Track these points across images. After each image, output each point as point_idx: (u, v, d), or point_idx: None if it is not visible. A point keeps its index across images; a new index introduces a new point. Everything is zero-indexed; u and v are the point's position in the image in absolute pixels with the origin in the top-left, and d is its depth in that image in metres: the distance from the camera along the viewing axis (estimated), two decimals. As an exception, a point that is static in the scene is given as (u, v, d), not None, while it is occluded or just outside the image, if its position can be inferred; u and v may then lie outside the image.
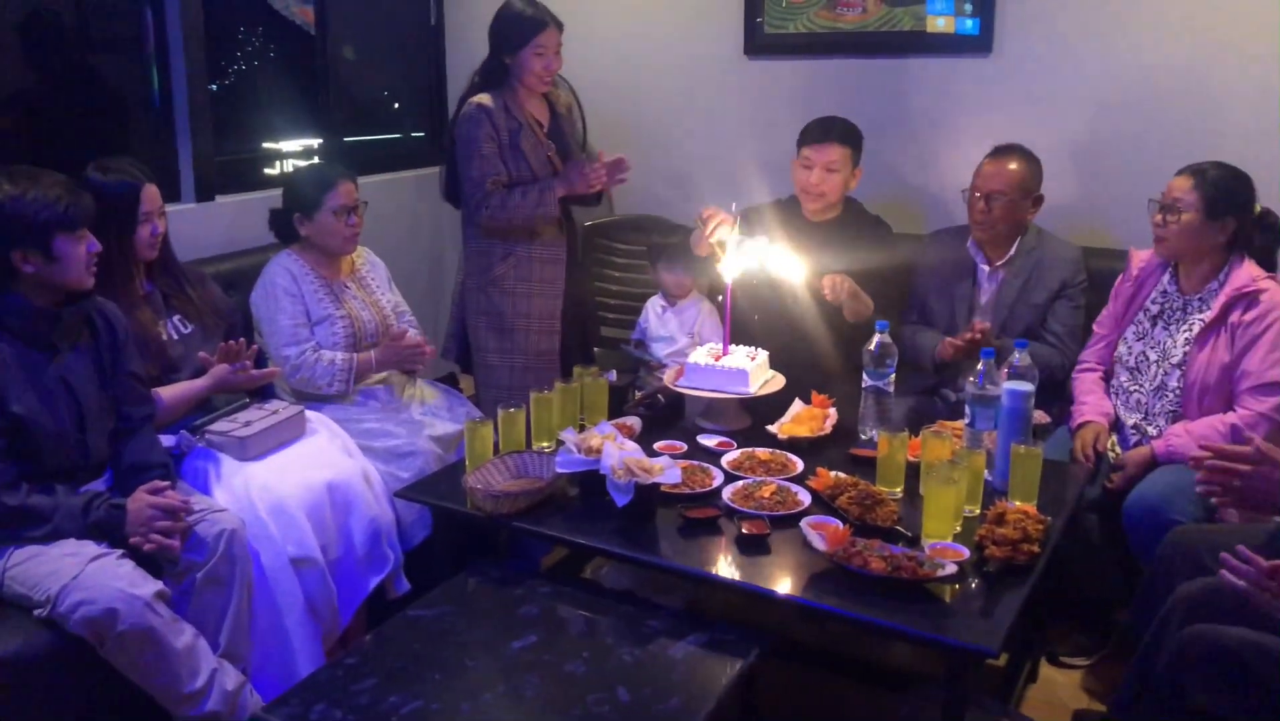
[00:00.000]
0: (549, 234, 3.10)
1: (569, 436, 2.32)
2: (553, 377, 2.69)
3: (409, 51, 4.38)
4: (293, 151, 3.91)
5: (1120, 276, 2.77)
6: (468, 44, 3.98)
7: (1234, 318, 2.47)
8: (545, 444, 2.51)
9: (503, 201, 2.99)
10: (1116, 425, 2.69)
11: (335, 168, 2.89)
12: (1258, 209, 2.54)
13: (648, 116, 3.95)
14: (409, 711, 1.69)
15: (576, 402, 2.62)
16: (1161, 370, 2.58)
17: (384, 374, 2.89)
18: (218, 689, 2.04)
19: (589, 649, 1.88)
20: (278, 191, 2.91)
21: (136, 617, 1.92)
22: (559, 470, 2.24)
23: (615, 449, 2.21)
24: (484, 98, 3.02)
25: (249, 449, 2.40)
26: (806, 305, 2.97)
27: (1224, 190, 2.49)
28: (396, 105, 4.47)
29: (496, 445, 2.45)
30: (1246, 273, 2.50)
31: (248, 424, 2.45)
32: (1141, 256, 2.72)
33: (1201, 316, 2.54)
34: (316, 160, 3.87)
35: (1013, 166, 2.90)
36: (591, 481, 2.23)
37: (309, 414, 2.61)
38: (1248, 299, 2.46)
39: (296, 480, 2.37)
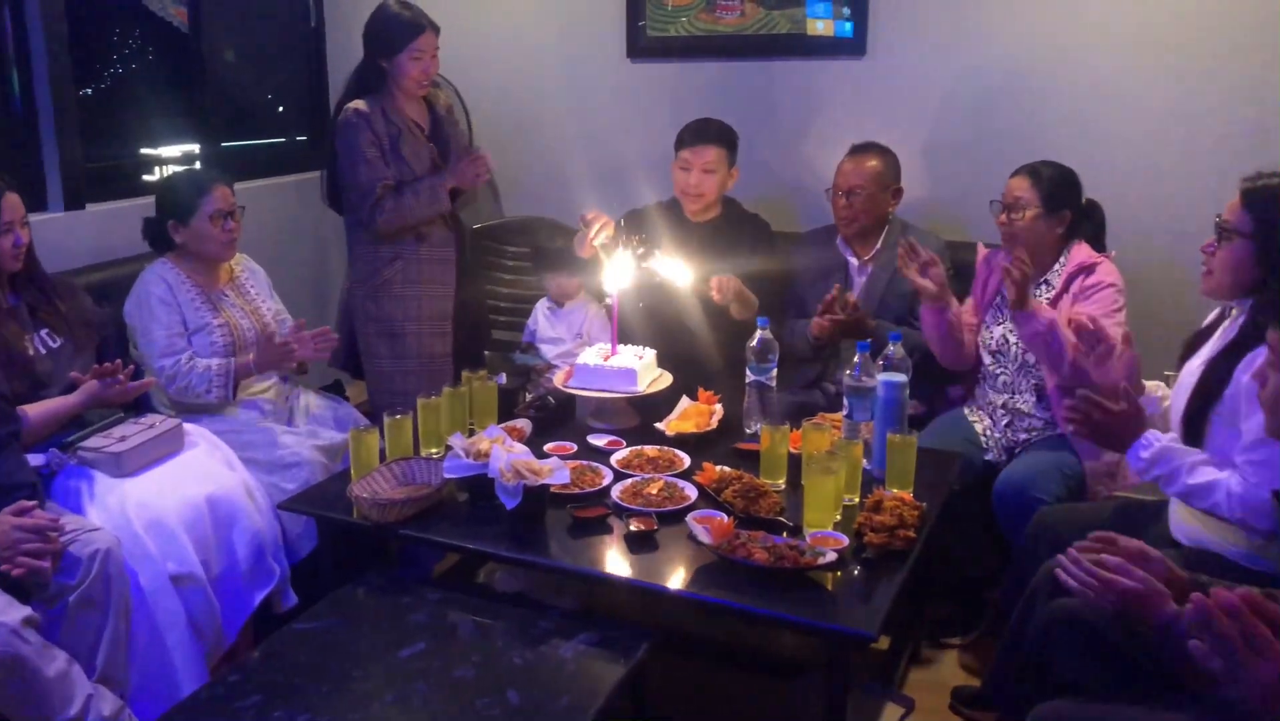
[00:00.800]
0: (437, 234, 3.08)
1: (457, 441, 2.31)
2: (447, 382, 2.68)
3: (289, 53, 4.28)
4: (170, 157, 3.78)
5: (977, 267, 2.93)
6: (349, 46, 3.90)
7: (1075, 287, 2.64)
8: (434, 450, 2.49)
9: (396, 204, 2.96)
10: (988, 407, 2.82)
11: (210, 172, 2.82)
12: (1084, 200, 2.71)
13: (533, 118, 3.95)
14: (295, 726, 1.67)
15: (465, 407, 2.61)
16: (1021, 349, 2.71)
17: (267, 384, 2.83)
18: (94, 716, 1.97)
19: (478, 653, 1.88)
20: (151, 199, 2.82)
21: (2, 646, 1.85)
22: (446, 475, 2.23)
23: (503, 451, 2.21)
24: (360, 103, 2.98)
25: (124, 465, 2.33)
26: (692, 305, 3.02)
27: (1059, 185, 2.67)
28: (277, 109, 4.37)
29: (383, 453, 2.42)
30: (1083, 252, 2.68)
31: (123, 439, 2.37)
32: (985, 251, 2.87)
33: (1048, 295, 2.68)
34: (194, 165, 3.76)
35: (870, 163, 3.02)
36: (480, 485, 2.23)
37: (188, 427, 2.55)
38: (1085, 270, 2.64)
39: (175, 495, 2.31)
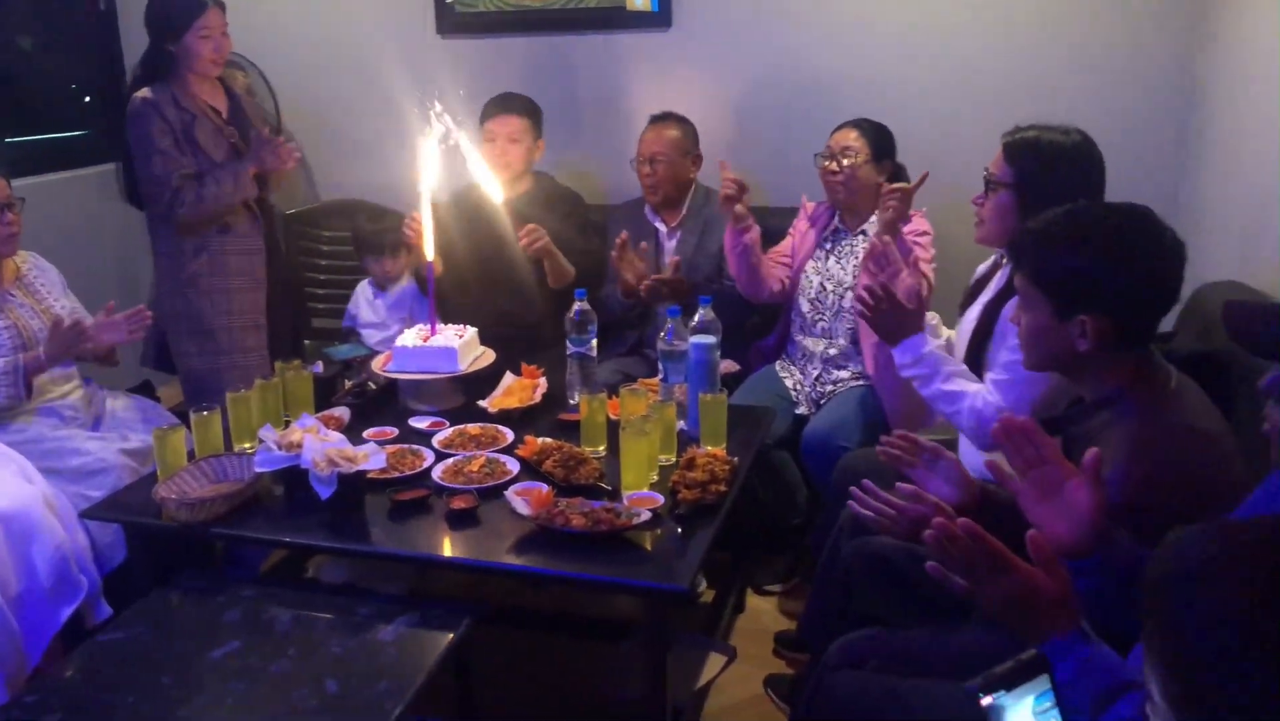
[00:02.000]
0: (243, 225, 2.97)
1: (268, 434, 2.25)
2: (264, 375, 2.59)
3: (80, 41, 4.03)
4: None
5: (796, 218, 3.06)
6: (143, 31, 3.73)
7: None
8: (247, 445, 2.42)
9: (197, 195, 2.83)
10: (800, 360, 2.94)
11: (-22, 167, 2.64)
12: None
13: (343, 98, 3.85)
14: (98, 740, 1.61)
15: (279, 399, 2.55)
16: (837, 296, 2.84)
17: (68, 387, 2.69)
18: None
19: (295, 646, 1.85)
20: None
21: None
22: (257, 469, 2.18)
23: (316, 441, 2.17)
24: (148, 91, 2.84)
25: (-98, 487, 2.18)
26: (516, 277, 3.03)
27: (882, 138, 2.84)
28: (70, 100, 4.11)
29: (193, 452, 2.34)
30: None
31: (-102, 460, 2.22)
32: (811, 205, 3.01)
33: (866, 246, 2.80)
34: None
35: (670, 132, 3.11)
36: (295, 477, 2.18)
37: (-25, 441, 2.40)
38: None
39: (-37, 514, 2.18)
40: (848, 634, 1.79)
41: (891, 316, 2.14)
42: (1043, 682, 0.92)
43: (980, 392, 2.05)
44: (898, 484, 1.71)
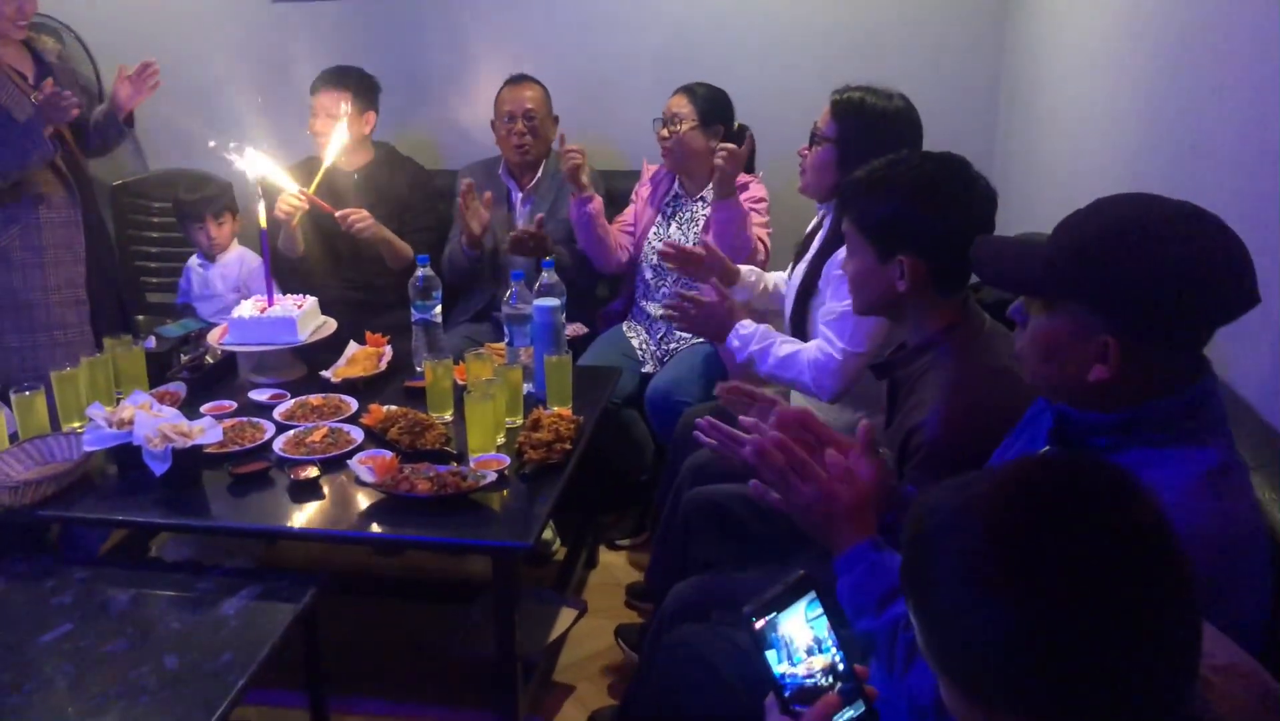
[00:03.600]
0: (56, 196, 2.82)
1: (97, 412, 2.17)
2: (85, 352, 2.49)
3: None
4: None
5: (636, 183, 3.11)
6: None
7: None
8: (76, 424, 2.33)
9: None
10: (645, 320, 3.01)
11: None
12: (736, 125, 2.92)
13: (170, 65, 3.66)
14: (-83, 734, 1.55)
15: (109, 377, 2.45)
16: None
17: None
18: None
19: (133, 625, 1.81)
20: None
21: None
22: (87, 448, 2.11)
23: (148, 417, 2.11)
24: (-55, 51, 2.67)
25: None
26: (358, 249, 2.99)
27: (712, 103, 2.89)
28: None
29: (15, 434, 2.24)
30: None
31: None
32: (652, 168, 3.06)
33: (705, 213, 2.90)
34: None
35: (531, 91, 3.11)
36: (129, 455, 2.12)
37: None
38: (739, 189, 2.84)
39: None
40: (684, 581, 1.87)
41: (703, 316, 2.26)
42: (809, 596, 1.00)
43: (811, 346, 2.15)
44: (740, 417, 1.78)
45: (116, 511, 2.08)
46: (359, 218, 2.97)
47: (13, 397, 2.24)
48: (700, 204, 2.94)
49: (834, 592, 1.26)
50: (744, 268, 2.51)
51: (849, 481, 1.30)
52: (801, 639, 0.99)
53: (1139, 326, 1.10)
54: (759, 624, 0.98)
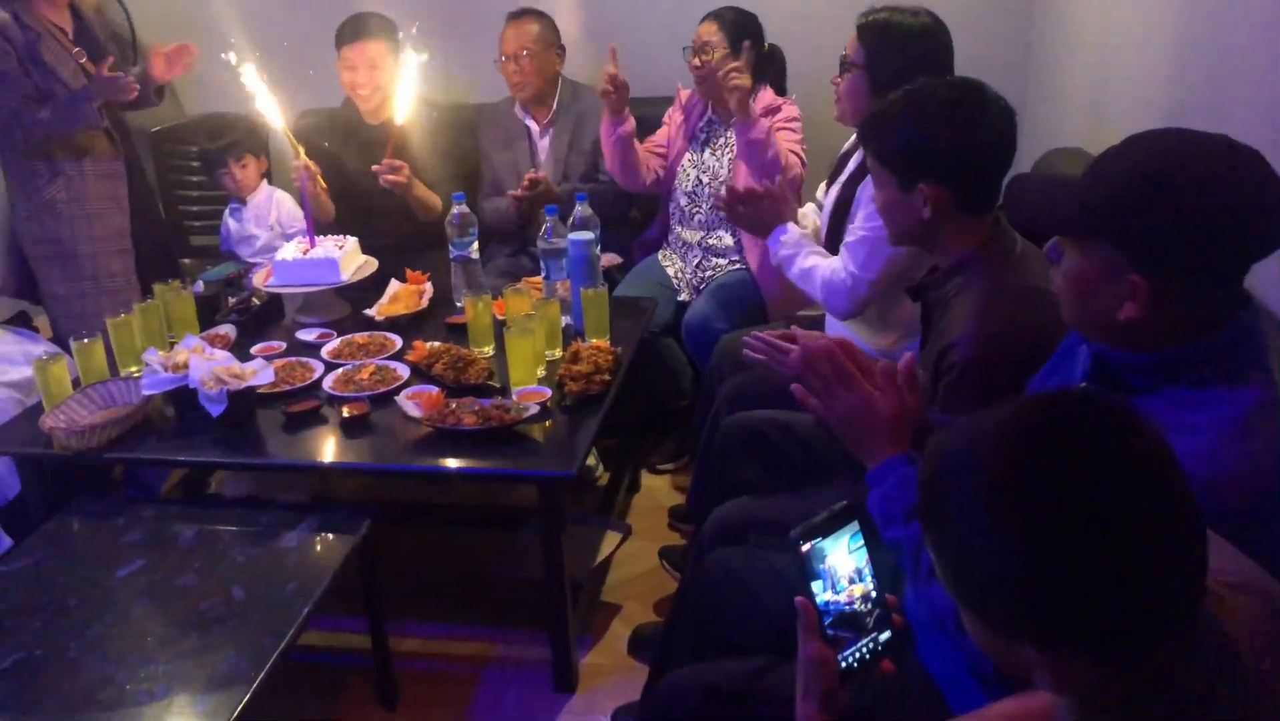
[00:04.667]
0: (100, 148, 2.87)
1: (152, 357, 2.25)
2: (132, 299, 2.57)
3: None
4: None
5: (670, 108, 3.09)
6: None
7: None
8: (133, 369, 2.42)
9: (34, 120, 2.73)
10: (681, 248, 3.03)
11: None
12: (767, 46, 2.89)
13: (198, 10, 3.68)
14: (10, 665, 1.65)
15: (161, 322, 2.53)
16: (714, 188, 2.91)
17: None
18: None
19: (200, 559, 1.91)
20: None
21: None
22: (145, 392, 2.19)
23: (202, 360, 2.19)
24: (-11, 9, 2.70)
25: None
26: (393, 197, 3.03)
27: (741, 27, 2.84)
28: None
29: (77, 381, 2.33)
30: (768, 96, 2.90)
31: None
32: (686, 93, 3.02)
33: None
34: None
35: (530, 26, 3.09)
36: (185, 398, 2.20)
37: None
38: (772, 111, 2.85)
39: None
40: (724, 505, 1.93)
41: (757, 212, 2.27)
42: (853, 527, 1.05)
43: (831, 264, 2.18)
44: (793, 328, 1.82)
45: (177, 452, 2.17)
46: (395, 172, 2.95)
47: (73, 345, 2.33)
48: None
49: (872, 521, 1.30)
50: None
51: (890, 393, 1.34)
52: (844, 567, 1.04)
53: (1166, 265, 1.10)
54: (805, 547, 1.03)
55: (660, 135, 3.09)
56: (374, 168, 2.95)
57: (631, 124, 2.91)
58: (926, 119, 1.61)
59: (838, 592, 1.04)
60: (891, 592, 1.10)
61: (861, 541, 1.05)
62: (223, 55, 2.68)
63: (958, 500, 0.82)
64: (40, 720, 1.56)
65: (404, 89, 2.79)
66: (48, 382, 2.25)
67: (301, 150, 2.79)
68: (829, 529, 1.04)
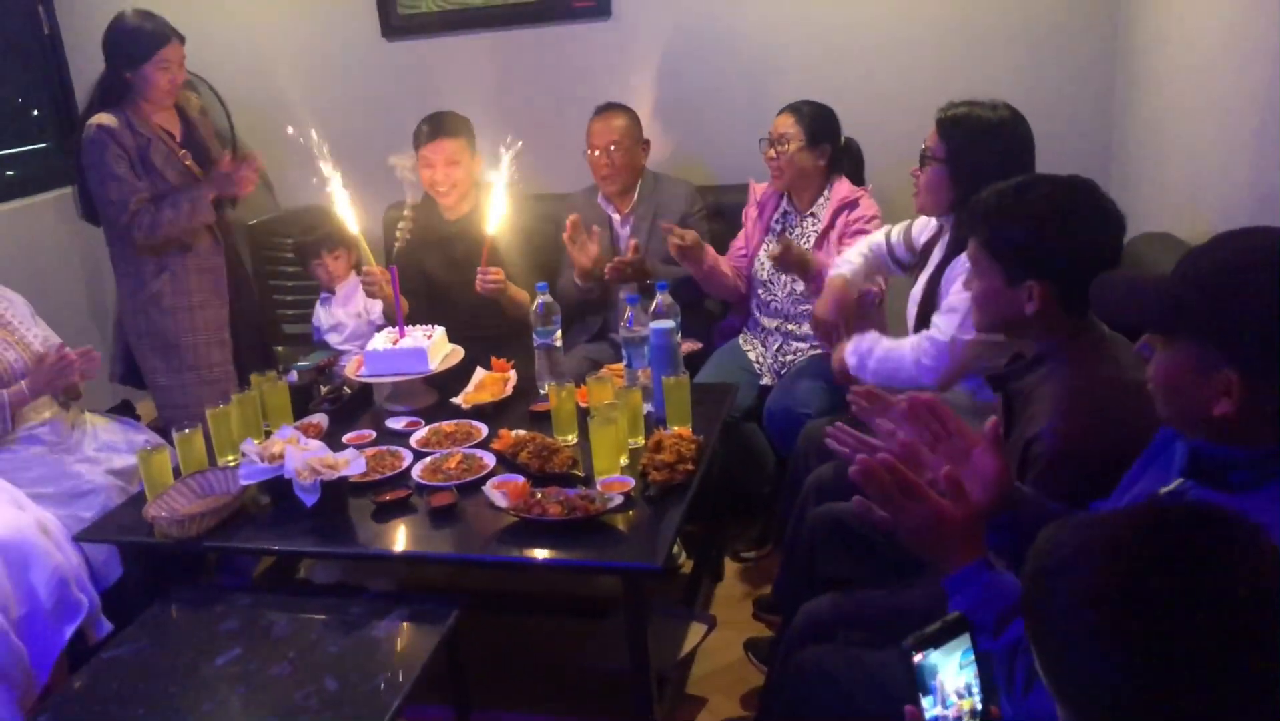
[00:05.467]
0: (203, 244, 3.03)
1: (249, 447, 2.32)
2: (230, 388, 2.66)
3: (25, 63, 4.04)
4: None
5: (746, 205, 3.13)
6: (90, 53, 3.74)
7: (840, 222, 2.89)
8: (230, 458, 2.50)
9: (154, 219, 2.89)
10: (761, 334, 3.05)
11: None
12: (843, 140, 2.94)
13: (295, 106, 3.87)
14: (114, 752, 1.70)
15: (257, 411, 2.62)
16: (791, 278, 2.93)
17: (47, 413, 2.75)
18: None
19: (294, 648, 1.94)
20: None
21: None
22: (243, 482, 2.26)
23: (297, 451, 2.25)
24: (105, 117, 2.89)
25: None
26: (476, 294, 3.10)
27: (819, 121, 2.91)
28: (16, 124, 4.12)
29: (178, 469, 2.42)
30: (845, 187, 2.93)
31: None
32: (759, 187, 3.08)
33: (815, 229, 2.92)
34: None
35: (618, 121, 3.17)
36: (280, 486, 2.26)
37: (-37, 475, 2.46)
38: (849, 205, 2.89)
39: (-41, 547, 2.25)
40: (812, 599, 1.91)
41: None
42: (964, 641, 1.04)
43: (915, 338, 2.20)
44: (875, 420, 1.81)
45: (272, 541, 2.23)
46: (494, 278, 2.99)
47: (174, 436, 2.42)
48: (810, 220, 2.95)
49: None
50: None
51: (959, 500, 1.32)
52: (953, 682, 1.03)
53: (1259, 359, 1.09)
54: (917, 658, 1.02)
55: (740, 238, 3.13)
56: (478, 279, 2.99)
57: (711, 256, 2.95)
58: (1044, 218, 1.61)
59: (947, 708, 1.02)
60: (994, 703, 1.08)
61: (972, 656, 1.04)
62: (319, 160, 2.80)
63: (1064, 601, 0.82)
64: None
65: (496, 199, 2.85)
66: (151, 472, 2.34)
67: (371, 258, 2.91)
68: (940, 639, 1.03)
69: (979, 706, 1.04)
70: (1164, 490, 1.24)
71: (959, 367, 2.13)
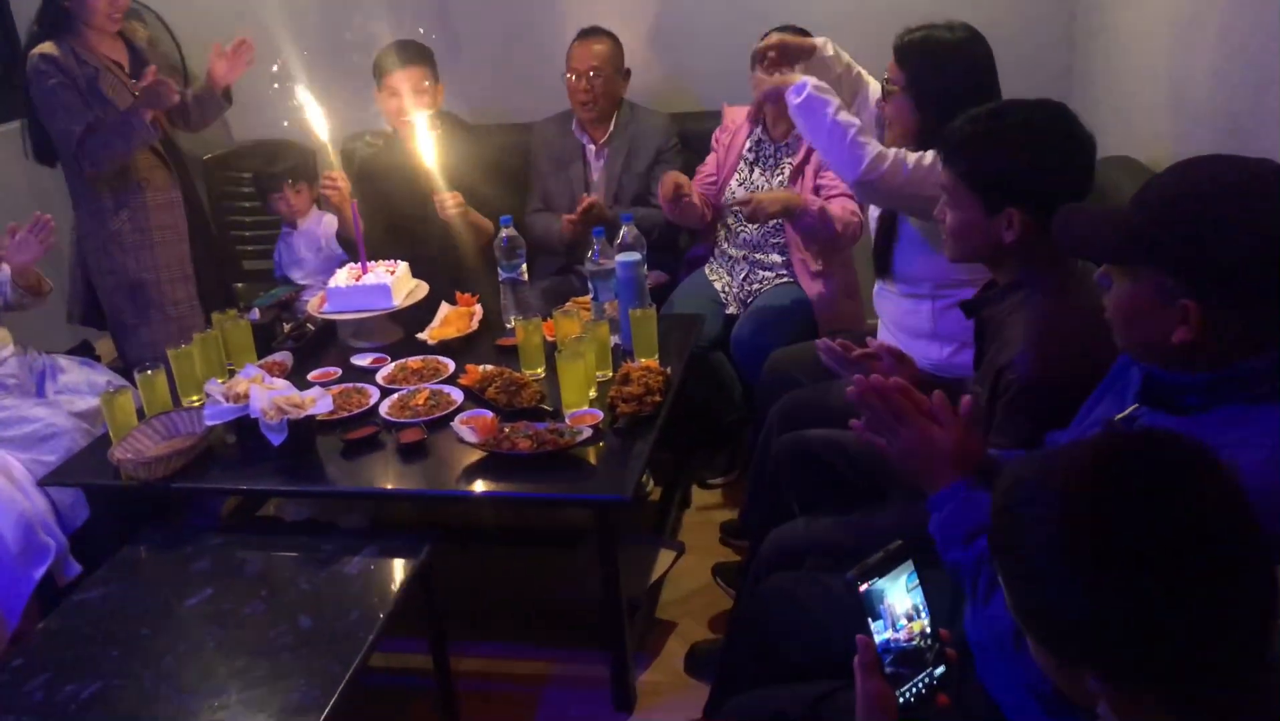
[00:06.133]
0: (158, 178, 2.96)
1: (214, 387, 2.30)
2: (196, 325, 2.63)
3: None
4: None
5: (717, 129, 3.07)
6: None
7: (815, 156, 2.82)
8: (194, 398, 2.48)
9: (95, 146, 2.80)
10: (728, 263, 3.03)
11: None
12: None
13: (247, 34, 3.76)
14: (89, 696, 1.70)
15: (220, 350, 2.59)
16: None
17: (7, 351, 2.71)
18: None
19: (266, 587, 1.95)
20: None
21: None
22: (208, 423, 2.24)
23: (262, 391, 2.23)
24: (47, 47, 2.79)
25: None
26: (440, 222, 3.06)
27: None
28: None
29: (141, 411, 2.40)
30: None
31: None
32: (734, 111, 3.01)
33: (790, 160, 2.88)
34: None
35: (599, 45, 3.09)
36: (247, 426, 2.25)
37: (-79, 420, 2.43)
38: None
39: (-78, 494, 2.22)
40: (780, 524, 1.94)
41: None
42: (908, 566, 1.07)
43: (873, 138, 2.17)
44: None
45: (240, 481, 2.23)
46: (456, 203, 2.93)
47: (137, 377, 2.39)
48: (785, 149, 2.90)
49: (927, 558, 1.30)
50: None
51: (949, 424, 1.34)
52: (901, 606, 1.06)
53: (1217, 289, 1.11)
54: (862, 587, 1.04)
55: (710, 164, 3.06)
56: (435, 197, 2.93)
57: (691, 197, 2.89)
58: (1020, 145, 1.60)
59: (897, 631, 1.05)
60: (945, 626, 1.11)
61: (917, 580, 1.07)
62: (273, 68, 2.72)
63: (1029, 531, 0.85)
64: (121, 750, 1.61)
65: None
66: (114, 414, 2.32)
67: (336, 164, 2.85)
68: (885, 569, 1.06)
69: (928, 627, 1.07)
70: (1118, 416, 1.27)
71: (887, 185, 2.10)
